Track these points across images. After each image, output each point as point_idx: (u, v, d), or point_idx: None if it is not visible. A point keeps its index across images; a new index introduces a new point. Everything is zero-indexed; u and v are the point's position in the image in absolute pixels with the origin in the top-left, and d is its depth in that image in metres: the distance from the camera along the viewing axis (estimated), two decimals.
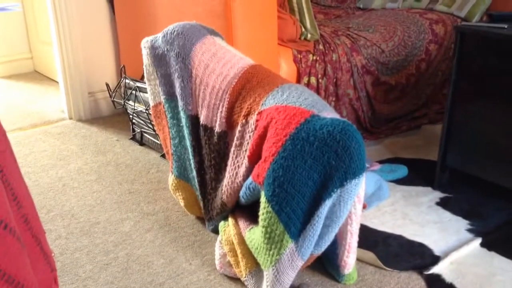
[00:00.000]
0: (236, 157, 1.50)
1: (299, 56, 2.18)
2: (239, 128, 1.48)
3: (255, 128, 1.42)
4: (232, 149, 1.51)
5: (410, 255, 1.54)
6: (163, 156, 2.24)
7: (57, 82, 3.33)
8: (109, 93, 2.47)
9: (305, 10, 2.22)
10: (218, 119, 1.55)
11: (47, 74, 3.51)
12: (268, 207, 1.30)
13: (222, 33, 1.92)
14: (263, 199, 1.32)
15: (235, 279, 1.45)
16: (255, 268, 1.39)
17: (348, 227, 1.36)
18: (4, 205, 0.62)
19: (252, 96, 1.48)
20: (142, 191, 1.95)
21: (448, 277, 1.45)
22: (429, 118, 2.60)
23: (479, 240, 1.60)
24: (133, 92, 2.26)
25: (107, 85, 2.49)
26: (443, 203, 1.84)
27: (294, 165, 1.26)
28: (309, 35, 2.22)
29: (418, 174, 2.05)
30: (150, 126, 2.24)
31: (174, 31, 1.64)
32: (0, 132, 0.72)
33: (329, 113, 1.32)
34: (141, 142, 2.38)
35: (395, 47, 2.46)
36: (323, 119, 1.28)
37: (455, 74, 1.79)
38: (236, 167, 1.50)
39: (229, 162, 1.53)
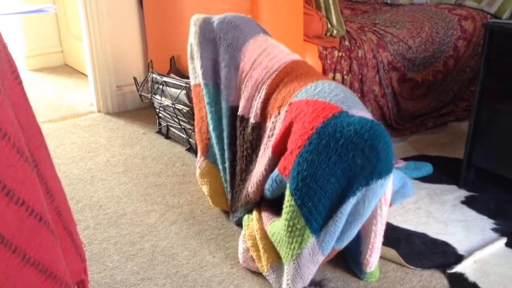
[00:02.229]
0: (266, 149, 1.52)
1: (324, 52, 2.18)
2: (272, 119, 1.50)
3: (284, 119, 1.43)
4: (264, 140, 1.53)
5: (433, 254, 1.54)
6: (188, 150, 2.27)
7: (86, 76, 3.40)
8: (136, 87, 2.52)
9: (331, 6, 2.22)
10: (254, 110, 1.57)
11: (76, 67, 3.59)
12: (291, 200, 1.31)
13: None
14: (287, 191, 1.33)
15: (258, 273, 1.47)
16: (277, 263, 1.41)
17: (372, 227, 1.36)
18: (39, 199, 0.65)
19: (287, 89, 1.49)
20: (168, 184, 1.99)
21: (471, 276, 1.44)
22: (456, 115, 2.57)
23: (504, 240, 1.59)
24: (160, 86, 2.30)
25: (134, 79, 2.53)
26: (468, 202, 1.82)
27: (318, 160, 1.27)
28: (335, 31, 2.22)
29: (443, 172, 2.04)
30: (176, 120, 2.27)
31: (231, 22, 1.65)
32: (36, 128, 0.75)
33: (358, 111, 1.32)
34: (167, 136, 2.42)
35: (423, 43, 2.43)
36: (352, 117, 1.28)
37: (483, 72, 1.77)
38: (264, 157, 1.52)
39: (260, 153, 1.54)
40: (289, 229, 1.32)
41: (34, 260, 0.66)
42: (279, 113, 1.47)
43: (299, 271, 1.32)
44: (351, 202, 1.26)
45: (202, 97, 1.76)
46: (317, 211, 1.28)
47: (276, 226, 1.39)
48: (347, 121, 1.27)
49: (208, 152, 1.78)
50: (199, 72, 1.73)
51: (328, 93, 1.38)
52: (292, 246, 1.32)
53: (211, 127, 1.73)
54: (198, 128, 1.82)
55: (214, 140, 1.74)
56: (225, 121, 1.67)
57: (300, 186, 1.28)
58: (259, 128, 1.56)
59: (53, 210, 0.77)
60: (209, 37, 1.69)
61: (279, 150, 1.43)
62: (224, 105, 1.67)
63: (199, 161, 1.82)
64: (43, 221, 0.66)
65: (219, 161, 1.74)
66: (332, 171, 1.25)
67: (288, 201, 1.32)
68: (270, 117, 1.51)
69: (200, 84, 1.76)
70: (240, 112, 1.62)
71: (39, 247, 0.66)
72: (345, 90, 1.42)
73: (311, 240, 1.29)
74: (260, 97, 1.55)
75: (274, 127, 1.49)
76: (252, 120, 1.58)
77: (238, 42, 1.63)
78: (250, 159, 1.59)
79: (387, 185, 1.28)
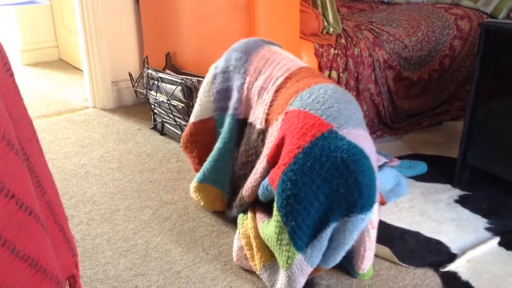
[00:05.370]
0: (264, 156, 1.50)
1: (320, 50, 2.17)
2: (273, 126, 1.48)
3: (279, 129, 1.41)
4: (266, 145, 1.51)
5: (426, 252, 1.54)
6: None
7: (82, 71, 3.38)
8: (131, 82, 2.51)
9: (328, 3, 2.21)
10: (260, 117, 1.55)
11: (72, 62, 3.57)
12: (278, 215, 1.30)
13: (244, 26, 1.92)
14: (275, 205, 1.32)
15: (251, 271, 1.47)
16: (269, 262, 1.41)
17: (362, 243, 1.36)
18: (29, 192, 0.65)
19: (285, 95, 1.46)
20: (162, 180, 1.98)
21: (464, 275, 1.44)
22: (451, 114, 2.57)
23: (497, 239, 1.59)
24: (155, 82, 2.29)
25: (130, 74, 2.52)
26: (462, 201, 1.83)
27: (302, 181, 1.24)
28: (331, 29, 2.22)
29: (437, 171, 2.04)
30: (171, 116, 2.27)
31: (234, 48, 1.67)
32: (27, 120, 0.75)
33: (351, 129, 1.28)
34: (162, 132, 2.41)
35: (419, 42, 2.43)
36: (340, 140, 1.24)
37: (478, 71, 1.77)
38: (260, 165, 1.51)
39: (260, 159, 1.53)
40: (278, 242, 1.31)
41: (24, 254, 0.66)
42: (277, 120, 1.45)
43: (290, 282, 1.31)
44: (333, 226, 1.25)
45: (211, 131, 1.73)
46: (300, 230, 1.26)
47: (268, 229, 1.38)
48: (335, 144, 1.23)
49: (200, 174, 1.74)
50: (212, 106, 1.72)
51: (321, 104, 1.33)
52: (283, 258, 1.31)
53: (217, 146, 1.70)
54: (198, 161, 1.81)
55: (215, 156, 1.71)
56: (230, 134, 1.66)
57: (284, 204, 1.27)
58: (263, 134, 1.54)
59: (44, 204, 0.76)
60: (217, 72, 1.70)
61: (274, 161, 1.42)
62: (230, 120, 1.65)
63: (192, 184, 1.80)
64: (33, 214, 0.66)
65: (220, 173, 1.71)
66: (315, 195, 1.23)
67: (276, 215, 1.31)
68: (272, 124, 1.50)
69: (211, 118, 1.73)
70: (250, 119, 1.61)
71: (29, 241, 0.65)
72: (340, 100, 1.35)
73: (297, 256, 1.28)
74: (266, 104, 1.53)
75: (272, 134, 1.47)
76: (258, 126, 1.55)
77: (241, 61, 1.62)
78: (253, 165, 1.57)
79: (368, 220, 1.26)
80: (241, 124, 1.65)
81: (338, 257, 1.32)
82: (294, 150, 1.28)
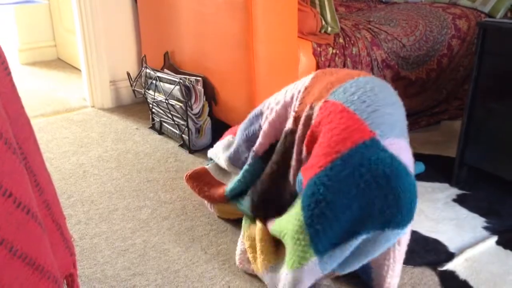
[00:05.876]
0: (300, 146, 1.42)
1: (318, 49, 2.17)
2: (304, 114, 1.39)
3: (317, 117, 1.33)
4: (297, 140, 1.43)
5: (424, 251, 1.54)
6: (181, 145, 2.27)
7: (80, 70, 3.38)
8: (130, 82, 2.51)
9: (326, 3, 2.21)
10: (289, 118, 1.48)
11: (70, 62, 3.57)
12: (300, 215, 1.26)
13: (242, 25, 1.92)
14: (298, 204, 1.28)
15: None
16: (272, 265, 1.39)
17: (385, 260, 1.31)
18: (27, 191, 0.65)
19: (323, 83, 1.39)
20: (160, 179, 1.98)
21: (462, 274, 1.44)
22: (449, 114, 2.58)
23: (495, 238, 1.60)
24: (154, 81, 2.29)
25: (128, 74, 2.52)
26: (460, 200, 1.83)
27: (337, 188, 1.19)
28: (329, 28, 2.22)
29: (435, 170, 2.04)
30: (169, 116, 2.26)
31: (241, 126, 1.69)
32: (25, 119, 0.75)
33: (392, 139, 1.23)
34: (160, 131, 2.41)
35: (417, 42, 2.44)
36: (382, 151, 1.19)
37: (476, 70, 1.78)
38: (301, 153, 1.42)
39: (294, 149, 1.44)
40: (293, 240, 1.28)
41: (22, 252, 0.65)
42: (311, 108, 1.36)
43: (295, 283, 1.28)
44: (362, 238, 1.21)
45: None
46: (325, 235, 1.21)
47: (285, 224, 1.34)
48: (377, 156, 1.18)
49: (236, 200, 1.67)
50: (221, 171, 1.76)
51: (366, 106, 1.25)
52: (293, 257, 1.27)
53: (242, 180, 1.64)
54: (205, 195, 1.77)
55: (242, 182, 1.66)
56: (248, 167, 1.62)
57: (312, 207, 1.22)
58: (292, 135, 1.45)
59: (41, 203, 0.76)
60: (230, 146, 1.72)
61: (311, 147, 1.36)
62: (253, 165, 1.59)
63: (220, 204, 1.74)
64: (31, 213, 0.66)
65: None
66: (349, 204, 1.18)
67: (297, 213, 1.27)
68: (304, 111, 1.40)
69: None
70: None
71: (27, 239, 0.65)
72: (386, 102, 1.27)
73: (313, 259, 1.24)
74: (295, 106, 1.46)
75: (304, 119, 1.38)
76: (285, 128, 1.46)
77: (251, 120, 1.61)
78: (279, 174, 1.47)
79: (402, 235, 1.23)
80: (259, 159, 1.57)
81: (357, 265, 1.28)
82: (332, 154, 1.22)
